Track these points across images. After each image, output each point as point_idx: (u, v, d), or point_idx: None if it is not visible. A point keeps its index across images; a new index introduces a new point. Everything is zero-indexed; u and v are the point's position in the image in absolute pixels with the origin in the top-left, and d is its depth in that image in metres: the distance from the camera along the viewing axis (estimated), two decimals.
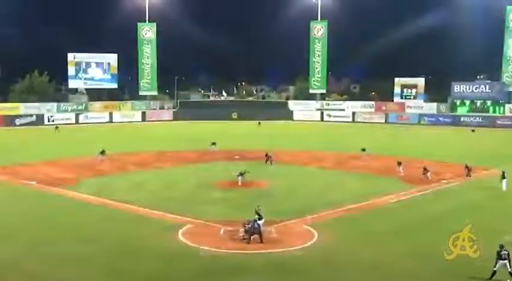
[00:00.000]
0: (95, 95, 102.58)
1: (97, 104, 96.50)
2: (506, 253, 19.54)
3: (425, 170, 39.40)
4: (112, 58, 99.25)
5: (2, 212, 29.64)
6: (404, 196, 34.10)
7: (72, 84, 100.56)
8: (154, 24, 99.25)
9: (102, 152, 47.11)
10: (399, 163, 42.24)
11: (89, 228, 26.30)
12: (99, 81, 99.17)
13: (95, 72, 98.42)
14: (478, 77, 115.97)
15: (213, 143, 54.35)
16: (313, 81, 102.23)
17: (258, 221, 24.12)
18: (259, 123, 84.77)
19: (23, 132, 76.98)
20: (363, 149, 50.39)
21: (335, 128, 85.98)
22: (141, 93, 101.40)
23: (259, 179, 37.78)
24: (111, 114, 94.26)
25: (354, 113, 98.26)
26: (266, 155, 46.32)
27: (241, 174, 37.02)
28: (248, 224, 23.99)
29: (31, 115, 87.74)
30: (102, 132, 77.02)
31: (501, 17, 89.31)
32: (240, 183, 36.70)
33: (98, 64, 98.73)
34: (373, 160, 48.25)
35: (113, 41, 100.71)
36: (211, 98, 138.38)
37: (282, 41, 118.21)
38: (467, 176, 39.80)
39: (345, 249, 23.33)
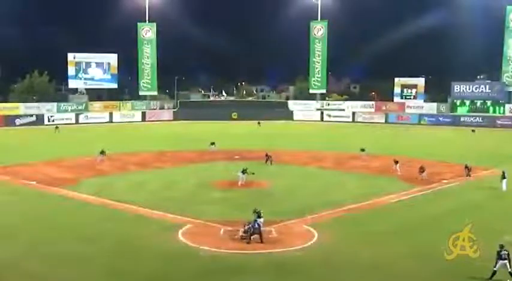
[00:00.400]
0: (95, 95, 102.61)
1: (97, 104, 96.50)
2: (506, 253, 19.53)
3: (421, 169, 39.44)
4: (112, 58, 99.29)
5: (2, 212, 29.60)
6: (405, 195, 34.10)
7: (72, 84, 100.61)
8: (154, 24, 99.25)
9: (102, 153, 47.09)
10: (396, 162, 42.32)
11: (89, 228, 26.29)
12: (99, 81, 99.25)
13: (95, 72, 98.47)
14: (478, 77, 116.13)
15: (212, 143, 54.37)
16: (313, 81, 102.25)
17: (258, 221, 24.15)
18: (259, 123, 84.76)
19: (23, 132, 76.96)
20: (362, 149, 50.47)
21: (335, 128, 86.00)
22: (141, 93, 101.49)
23: (259, 179, 37.71)
24: (111, 114, 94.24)
25: (354, 113, 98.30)
26: (266, 155, 46.31)
27: (244, 172, 36.91)
28: (248, 224, 23.99)
29: (31, 115, 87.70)
30: (102, 132, 77.04)
31: (501, 17, 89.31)
32: (240, 183, 36.54)
33: (98, 64, 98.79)
34: (373, 159, 48.27)
35: (113, 41, 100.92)
36: (211, 98, 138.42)
37: (282, 41, 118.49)
38: (467, 176, 39.80)
39: (345, 249, 23.32)
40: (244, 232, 24.06)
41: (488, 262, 19.78)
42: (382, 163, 46.12)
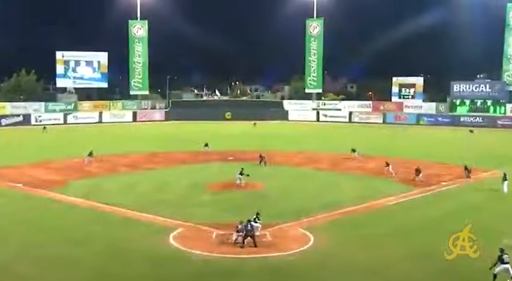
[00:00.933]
0: (84, 94, 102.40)
1: (86, 104, 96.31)
2: (507, 256, 19.49)
3: (417, 171, 39.35)
4: (102, 56, 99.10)
5: None
6: (403, 198, 34.07)
7: (60, 83, 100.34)
8: (146, 21, 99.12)
9: (90, 154, 46.83)
10: (387, 164, 42.22)
11: (77, 231, 26.16)
12: (88, 81, 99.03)
13: (84, 71, 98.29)
14: (478, 76, 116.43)
15: (206, 144, 54.28)
16: (309, 80, 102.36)
17: (255, 223, 24.05)
18: (254, 124, 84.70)
19: (10, 132, 76.63)
20: (353, 150, 50.57)
21: (331, 129, 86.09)
22: (131, 92, 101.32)
23: (254, 180, 37.61)
24: (100, 115, 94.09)
25: (350, 113, 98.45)
26: (260, 155, 46.27)
27: (241, 173, 36.89)
28: (241, 224, 23.89)
29: (18, 115, 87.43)
30: (91, 132, 76.79)
31: (502, 14, 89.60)
32: (237, 183, 36.58)
33: (87, 63, 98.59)
34: (370, 161, 48.29)
35: (103, 39, 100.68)
36: (204, 98, 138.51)
37: (277, 39, 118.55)
38: (467, 177, 39.77)
39: (341, 253, 23.25)
40: (237, 231, 23.92)
41: (489, 262, 19.75)
42: (379, 164, 46.01)
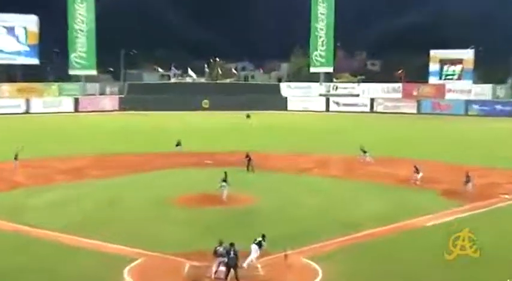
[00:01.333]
0: (4, 74, 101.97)
1: (7, 87, 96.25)
2: None
3: (467, 177, 39.39)
4: (30, 21, 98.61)
5: None
6: (446, 216, 34.07)
7: None
8: None
9: (16, 157, 46.56)
10: (417, 170, 42.46)
11: None
12: (10, 55, 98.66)
13: (3, 41, 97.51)
14: None
15: (178, 143, 54.41)
16: (315, 56, 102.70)
17: (254, 245, 24.15)
18: (248, 115, 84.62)
19: None
20: (364, 151, 51.18)
21: (346, 121, 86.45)
22: (72, 72, 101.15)
23: (240, 192, 37.69)
24: (28, 102, 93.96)
25: (372, 100, 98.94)
26: (247, 155, 46.38)
27: (225, 180, 37.02)
28: (220, 245, 23.75)
29: None
30: (14, 126, 76.85)
31: None
32: (220, 193, 36.77)
33: (8, 30, 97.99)
34: (398, 165, 48.40)
35: None
36: (173, 80, 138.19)
37: (272, 1, 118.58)
38: None
39: None
40: (216, 254, 23.74)
41: None
42: (410, 169, 46.13)
